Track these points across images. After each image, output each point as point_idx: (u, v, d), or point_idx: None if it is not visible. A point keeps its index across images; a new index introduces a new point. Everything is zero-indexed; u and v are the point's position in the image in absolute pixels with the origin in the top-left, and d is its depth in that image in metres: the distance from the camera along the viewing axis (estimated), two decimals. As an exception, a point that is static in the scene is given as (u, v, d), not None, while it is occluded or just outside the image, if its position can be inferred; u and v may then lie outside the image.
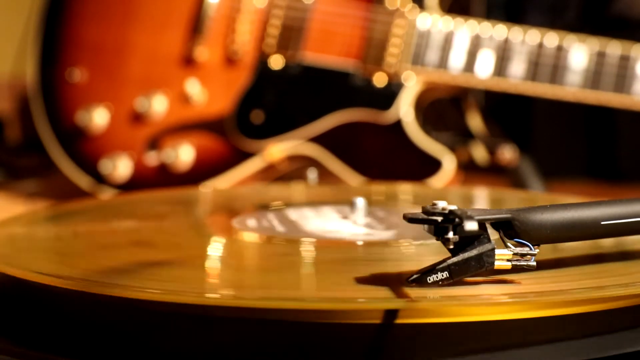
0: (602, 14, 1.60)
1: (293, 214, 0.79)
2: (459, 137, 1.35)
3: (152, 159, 1.31)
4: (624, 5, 1.58)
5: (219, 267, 0.65)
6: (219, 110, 1.31)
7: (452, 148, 1.29)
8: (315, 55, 1.30)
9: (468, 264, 0.52)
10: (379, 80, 1.29)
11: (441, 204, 0.53)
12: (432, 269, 0.52)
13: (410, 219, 0.53)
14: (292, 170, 1.33)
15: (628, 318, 0.53)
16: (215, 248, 0.70)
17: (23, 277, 0.57)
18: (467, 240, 0.52)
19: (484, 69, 1.26)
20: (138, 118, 1.31)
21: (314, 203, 0.87)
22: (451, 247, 0.52)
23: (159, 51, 1.32)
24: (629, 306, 0.53)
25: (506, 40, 1.26)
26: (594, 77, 1.24)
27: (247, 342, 0.51)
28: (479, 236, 0.52)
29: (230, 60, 1.31)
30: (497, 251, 0.53)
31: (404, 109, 1.29)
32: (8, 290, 0.58)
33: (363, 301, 0.51)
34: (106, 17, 1.34)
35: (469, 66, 1.27)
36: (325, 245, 0.68)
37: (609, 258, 0.62)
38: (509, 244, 0.54)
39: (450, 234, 0.52)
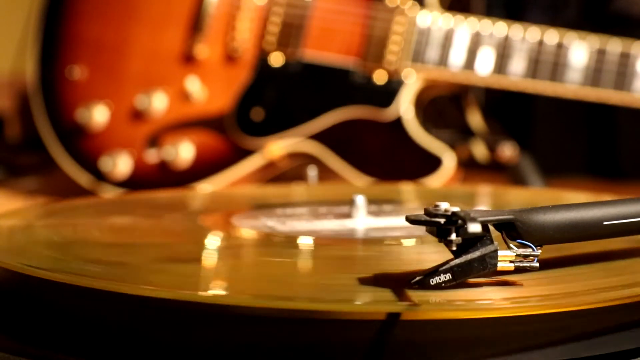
0: (602, 11, 1.60)
1: (293, 211, 0.79)
2: (459, 135, 1.35)
3: (152, 156, 1.31)
4: (624, 2, 1.58)
5: (219, 265, 0.65)
6: (219, 108, 1.31)
7: (452, 145, 1.29)
8: (315, 52, 1.30)
9: (471, 266, 0.52)
10: (379, 77, 1.29)
11: (443, 206, 0.52)
12: (434, 271, 0.52)
13: (413, 221, 0.53)
14: (292, 167, 1.33)
15: (632, 316, 0.53)
16: (215, 246, 0.70)
17: (22, 272, 0.57)
18: (470, 242, 0.52)
19: (484, 67, 1.26)
20: (138, 115, 1.31)
21: (314, 201, 0.87)
22: (454, 248, 0.52)
23: (159, 48, 1.32)
24: (632, 303, 0.53)
25: (506, 38, 1.26)
26: (594, 74, 1.24)
27: (243, 342, 0.51)
28: (482, 237, 0.52)
29: (230, 57, 1.31)
30: (499, 252, 0.53)
31: (404, 107, 1.29)
32: (7, 286, 0.58)
33: (364, 304, 0.51)
34: (106, 14, 1.34)
35: (469, 64, 1.26)
36: (326, 243, 0.68)
37: (612, 257, 0.62)
38: (511, 245, 0.54)
39: (453, 236, 0.51)
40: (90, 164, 1.32)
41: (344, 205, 0.79)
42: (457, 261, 0.52)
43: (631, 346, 0.52)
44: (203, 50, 1.31)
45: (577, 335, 0.51)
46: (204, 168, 1.31)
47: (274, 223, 0.74)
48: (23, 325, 0.56)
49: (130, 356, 0.52)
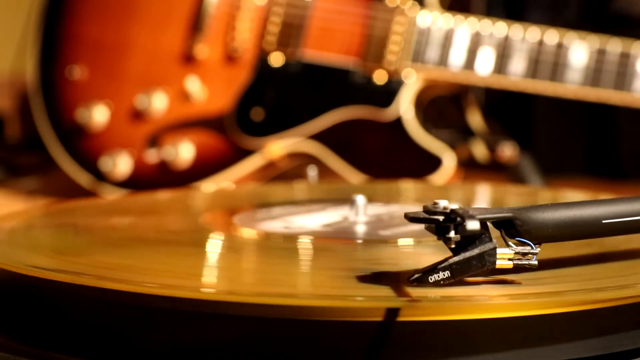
0: (602, 11, 1.60)
1: (293, 211, 0.79)
2: (459, 135, 1.35)
3: (152, 156, 1.31)
4: (624, 2, 1.58)
5: (219, 264, 0.65)
6: (219, 108, 1.31)
7: (452, 145, 1.29)
8: (315, 52, 1.30)
9: (469, 263, 0.52)
10: (379, 77, 1.29)
11: (442, 203, 0.52)
12: (433, 269, 0.52)
13: (412, 219, 0.53)
14: (292, 167, 1.33)
15: (628, 318, 0.53)
16: (215, 245, 0.70)
17: (22, 273, 0.57)
18: (469, 240, 0.52)
19: (484, 67, 1.26)
20: (138, 115, 1.31)
21: (314, 201, 0.87)
22: (452, 246, 0.52)
23: (159, 48, 1.32)
24: (628, 304, 0.53)
25: (506, 38, 1.26)
26: (594, 74, 1.24)
27: (244, 340, 0.51)
28: (481, 235, 0.52)
29: (230, 57, 1.31)
30: (498, 250, 0.53)
31: (404, 107, 1.29)
32: (8, 286, 0.58)
33: (364, 300, 0.51)
34: (106, 14, 1.34)
35: (469, 64, 1.26)
36: (325, 243, 0.68)
37: (609, 257, 0.62)
38: (510, 243, 0.54)
39: (452, 234, 0.51)
40: (90, 164, 1.32)
41: (344, 204, 0.79)
42: (456, 259, 0.52)
43: (631, 346, 0.52)
44: (203, 50, 1.31)
45: (576, 335, 0.51)
46: (204, 168, 1.31)
47: (274, 222, 0.74)
48: (23, 326, 0.56)
49: (130, 356, 0.52)
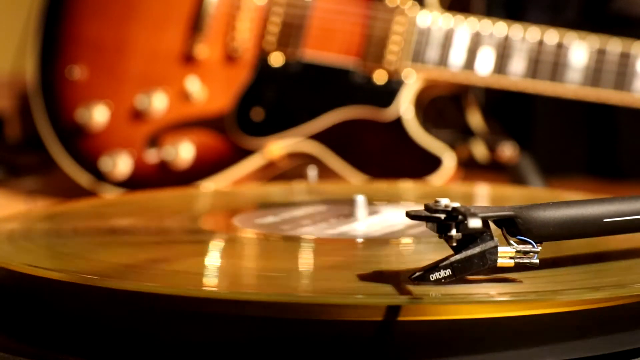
0: (602, 11, 1.60)
1: (293, 211, 0.79)
2: (459, 135, 1.35)
3: (152, 156, 1.31)
4: (624, 2, 1.58)
5: (219, 264, 0.65)
6: (219, 108, 1.31)
7: (452, 145, 1.29)
8: (315, 52, 1.30)
9: (471, 262, 0.52)
10: (379, 77, 1.29)
11: (444, 201, 0.52)
12: (435, 267, 0.52)
13: (413, 217, 0.53)
14: (292, 167, 1.33)
15: (629, 317, 0.53)
16: (216, 246, 0.70)
17: (22, 272, 0.57)
18: (470, 238, 0.52)
19: (484, 67, 1.26)
20: (138, 115, 1.31)
21: (314, 201, 0.87)
22: (454, 244, 0.52)
23: (159, 48, 1.32)
24: (629, 304, 0.53)
25: (506, 38, 1.26)
26: (594, 74, 1.24)
27: (244, 339, 0.51)
28: (482, 233, 0.52)
29: (230, 57, 1.31)
30: (499, 249, 0.53)
31: (404, 107, 1.29)
32: (8, 286, 0.58)
33: (365, 297, 0.51)
34: (106, 14, 1.34)
35: (469, 63, 1.26)
36: (326, 243, 0.68)
37: (610, 256, 0.62)
38: (511, 242, 0.54)
39: (453, 232, 0.51)
40: (90, 164, 1.32)
41: (344, 204, 0.79)
42: (457, 257, 0.52)
43: (631, 346, 0.52)
44: (203, 50, 1.31)
45: (576, 335, 0.51)
46: (204, 168, 1.31)
47: (275, 223, 0.74)
48: (23, 326, 0.56)
49: (130, 356, 0.52)
